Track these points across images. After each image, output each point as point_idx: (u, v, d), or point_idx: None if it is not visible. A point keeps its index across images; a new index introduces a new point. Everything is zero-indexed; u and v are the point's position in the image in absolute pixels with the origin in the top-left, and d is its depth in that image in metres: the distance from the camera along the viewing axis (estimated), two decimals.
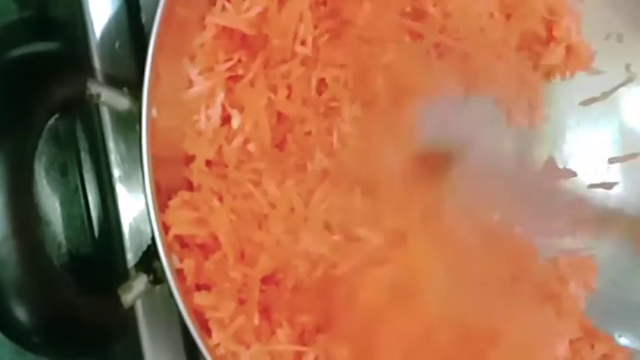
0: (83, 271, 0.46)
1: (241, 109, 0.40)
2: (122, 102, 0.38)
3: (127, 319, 0.39)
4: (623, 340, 0.48)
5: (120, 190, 0.41)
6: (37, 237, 0.34)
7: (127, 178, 0.41)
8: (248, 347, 0.39)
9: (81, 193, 0.46)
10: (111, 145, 0.41)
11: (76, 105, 0.37)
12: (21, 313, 0.32)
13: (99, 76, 0.40)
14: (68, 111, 0.37)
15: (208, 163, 0.41)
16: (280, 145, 0.42)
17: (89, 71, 0.39)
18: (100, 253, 0.45)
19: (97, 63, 0.40)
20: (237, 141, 0.40)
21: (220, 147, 0.40)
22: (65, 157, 0.46)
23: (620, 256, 0.49)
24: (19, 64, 0.35)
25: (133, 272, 0.39)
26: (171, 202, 0.39)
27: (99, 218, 0.45)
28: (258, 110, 0.40)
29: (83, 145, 0.45)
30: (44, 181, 0.45)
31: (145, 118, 0.35)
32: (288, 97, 0.41)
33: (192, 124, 0.40)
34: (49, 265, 0.34)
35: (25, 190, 0.33)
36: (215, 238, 0.39)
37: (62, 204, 0.45)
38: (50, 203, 0.45)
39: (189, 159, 0.40)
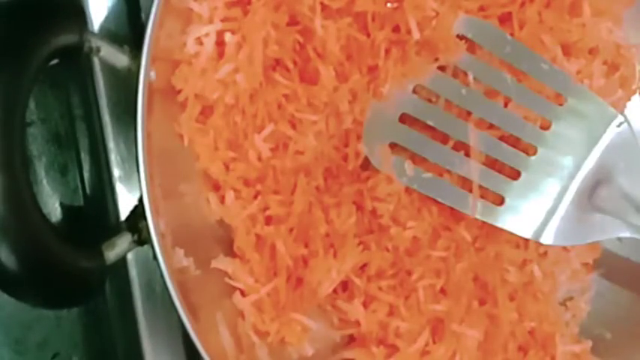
0: None
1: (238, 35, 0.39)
2: (121, 59, 0.38)
3: (106, 276, 0.39)
4: None
5: (120, 190, 0.42)
6: (23, 176, 0.33)
7: (127, 178, 0.42)
8: None
9: (81, 193, 0.46)
10: (111, 145, 0.41)
11: (74, 54, 0.37)
12: (1, 250, 0.32)
13: (96, 29, 0.41)
14: (67, 58, 0.37)
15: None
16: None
17: (88, 23, 0.40)
18: None
19: (92, 15, 0.41)
20: (226, 69, 0.39)
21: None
22: (65, 157, 0.46)
23: None
24: (18, 6, 0.35)
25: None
26: None
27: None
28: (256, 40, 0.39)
29: (83, 145, 0.45)
30: (44, 181, 0.45)
31: (143, 77, 0.35)
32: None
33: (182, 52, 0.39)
34: (33, 206, 0.34)
35: (16, 125, 0.33)
36: None
37: (62, 204, 0.45)
38: (50, 203, 0.45)
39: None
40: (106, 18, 0.41)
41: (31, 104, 0.44)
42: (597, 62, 0.45)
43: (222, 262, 0.40)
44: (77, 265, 0.36)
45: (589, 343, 0.46)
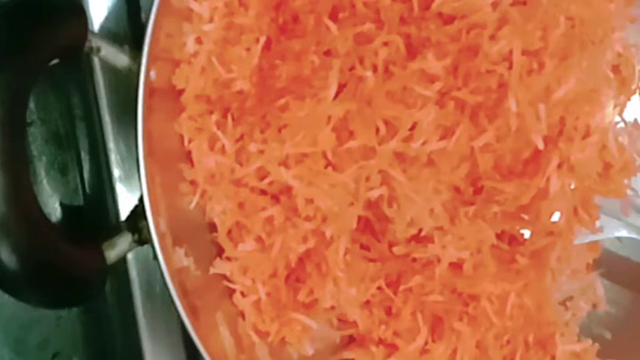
0: None
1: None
2: (121, 59, 0.38)
3: (107, 276, 0.38)
4: None
5: (120, 190, 0.42)
6: (24, 176, 0.33)
7: (127, 178, 0.42)
8: None
9: (81, 193, 0.46)
10: (111, 145, 0.41)
11: (75, 54, 0.37)
12: (2, 249, 0.32)
13: (96, 29, 0.41)
14: (67, 58, 0.37)
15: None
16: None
17: (88, 23, 0.39)
18: None
19: (92, 15, 0.41)
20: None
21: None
22: (65, 157, 0.46)
23: None
24: (19, 6, 0.35)
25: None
26: None
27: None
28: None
29: (83, 145, 0.45)
30: (44, 181, 0.45)
31: (143, 77, 0.35)
32: None
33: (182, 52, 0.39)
34: (34, 205, 0.34)
35: (16, 125, 0.33)
36: None
37: (62, 204, 0.45)
38: (50, 203, 0.45)
39: None
40: (106, 18, 0.42)
41: (31, 104, 0.45)
42: None
43: (220, 266, 0.40)
44: (77, 265, 0.36)
45: (589, 342, 0.46)
